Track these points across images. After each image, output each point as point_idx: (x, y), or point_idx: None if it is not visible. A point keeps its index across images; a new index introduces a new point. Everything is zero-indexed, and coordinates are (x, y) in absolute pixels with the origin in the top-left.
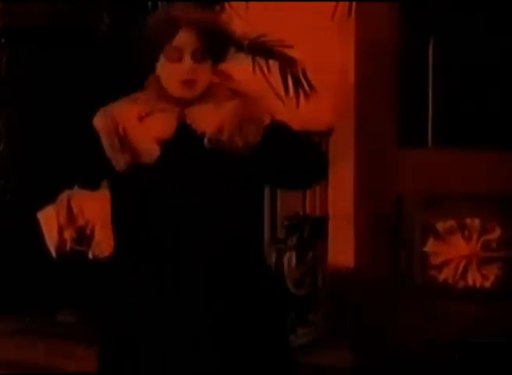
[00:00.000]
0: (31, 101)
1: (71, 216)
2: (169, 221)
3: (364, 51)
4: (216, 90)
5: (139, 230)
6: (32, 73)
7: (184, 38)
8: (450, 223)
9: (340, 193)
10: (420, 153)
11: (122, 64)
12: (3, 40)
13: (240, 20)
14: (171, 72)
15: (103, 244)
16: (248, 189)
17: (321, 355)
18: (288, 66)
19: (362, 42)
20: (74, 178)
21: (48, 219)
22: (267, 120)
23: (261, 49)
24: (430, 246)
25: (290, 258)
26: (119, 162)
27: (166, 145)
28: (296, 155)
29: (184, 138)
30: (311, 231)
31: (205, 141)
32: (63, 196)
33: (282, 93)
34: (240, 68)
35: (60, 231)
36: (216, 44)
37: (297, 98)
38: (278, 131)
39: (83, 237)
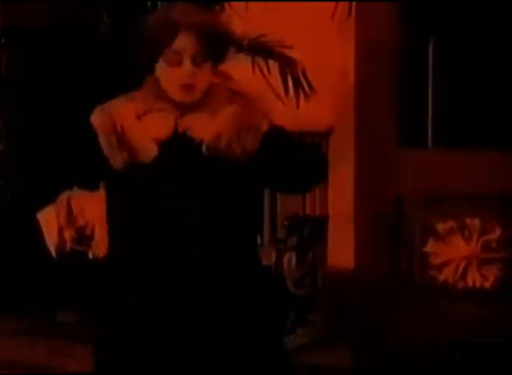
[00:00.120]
0: (31, 101)
1: (71, 217)
2: (166, 222)
3: (364, 52)
4: (215, 91)
5: (135, 229)
6: (32, 73)
7: (184, 42)
8: (450, 223)
9: (340, 193)
10: (420, 153)
11: (122, 64)
12: (3, 40)
13: (239, 20)
14: (170, 76)
15: (103, 244)
16: (247, 194)
17: (321, 355)
18: (288, 66)
19: (362, 42)
20: (74, 178)
21: (48, 220)
22: (265, 127)
23: (260, 49)
24: (430, 246)
25: (290, 259)
26: (117, 160)
27: (164, 146)
28: (295, 161)
29: (182, 142)
30: (311, 231)
31: (203, 148)
32: (63, 196)
33: (282, 93)
34: (239, 68)
35: (60, 231)
36: (216, 47)
37: (297, 98)
38: (276, 137)
39: (83, 237)
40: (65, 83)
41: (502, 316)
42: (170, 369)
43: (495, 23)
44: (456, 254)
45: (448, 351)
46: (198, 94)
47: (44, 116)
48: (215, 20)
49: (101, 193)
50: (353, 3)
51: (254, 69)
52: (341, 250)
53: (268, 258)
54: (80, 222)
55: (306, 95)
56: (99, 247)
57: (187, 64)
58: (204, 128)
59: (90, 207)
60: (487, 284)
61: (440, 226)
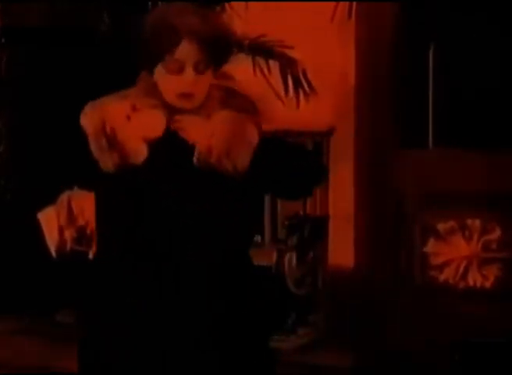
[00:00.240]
0: (31, 102)
1: (71, 217)
2: (160, 223)
3: (364, 52)
4: (211, 92)
5: (129, 231)
6: (32, 73)
7: (186, 50)
8: (451, 223)
9: (341, 193)
10: (420, 154)
11: (122, 64)
12: (3, 40)
13: (240, 21)
14: (170, 83)
15: None
16: (242, 196)
17: (322, 355)
18: (288, 66)
19: (362, 43)
20: (73, 179)
21: (49, 220)
22: (256, 139)
23: (261, 49)
24: (430, 246)
25: (291, 259)
26: (107, 162)
27: (155, 147)
28: (289, 170)
29: (174, 143)
30: (312, 231)
31: (194, 159)
32: (63, 197)
33: (283, 93)
34: (240, 68)
35: (60, 231)
36: (219, 53)
37: (297, 98)
38: (268, 150)
39: (84, 237)
40: (65, 83)
41: (502, 316)
42: (169, 371)
43: (495, 24)
44: (456, 254)
45: (448, 351)
46: (197, 101)
47: (43, 116)
48: (218, 25)
49: None
50: (354, 4)
51: (254, 69)
52: (341, 250)
53: (269, 258)
54: (81, 222)
55: (306, 95)
56: None
57: (189, 72)
58: (197, 132)
59: (91, 207)
60: (487, 284)
61: (441, 227)
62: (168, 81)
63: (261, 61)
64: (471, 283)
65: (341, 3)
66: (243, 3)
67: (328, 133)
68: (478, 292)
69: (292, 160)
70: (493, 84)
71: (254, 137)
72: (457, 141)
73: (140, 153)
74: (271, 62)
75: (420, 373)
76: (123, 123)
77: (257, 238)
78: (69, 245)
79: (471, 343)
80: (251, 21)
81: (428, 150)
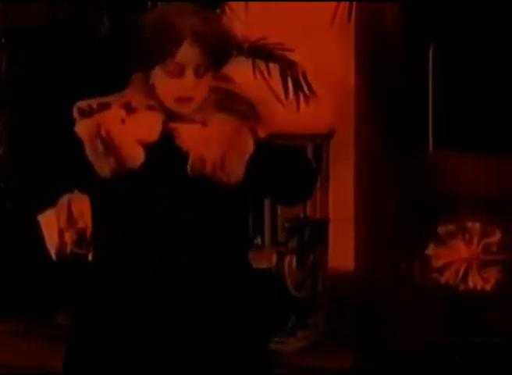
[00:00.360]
0: (31, 102)
1: (71, 219)
2: (156, 228)
3: (363, 54)
4: (209, 96)
5: (123, 236)
6: (32, 74)
7: (188, 52)
8: (451, 226)
9: (341, 195)
10: (420, 156)
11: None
12: (3, 40)
13: (239, 23)
14: (169, 86)
15: None
16: (238, 205)
17: (322, 358)
18: (288, 69)
19: (362, 44)
20: (70, 183)
21: (49, 222)
22: (251, 148)
23: (261, 52)
24: (431, 249)
25: (291, 261)
26: (104, 167)
27: (151, 150)
28: (285, 177)
29: (169, 147)
30: (312, 234)
31: (188, 168)
32: (63, 199)
33: (283, 96)
34: (240, 71)
35: (60, 234)
36: (220, 55)
37: (297, 100)
38: (263, 158)
39: (84, 239)
40: (65, 83)
41: (502, 318)
42: (168, 373)
43: (495, 25)
44: (456, 256)
45: (448, 351)
46: (195, 105)
47: (43, 117)
48: (219, 27)
49: None
50: (353, 6)
51: (254, 72)
52: (341, 252)
53: (269, 260)
54: (81, 224)
55: (306, 98)
56: None
57: (190, 76)
58: (191, 141)
59: (91, 210)
60: (488, 287)
61: (441, 229)
62: (167, 84)
63: (260, 64)
64: (471, 285)
65: (341, 5)
66: (243, 6)
67: (329, 135)
68: (479, 295)
69: (287, 167)
70: (493, 86)
71: (248, 146)
72: (457, 143)
73: (136, 157)
74: (271, 64)
75: (420, 373)
76: (119, 127)
77: (257, 241)
78: (69, 248)
79: (471, 343)
80: (251, 24)
81: (428, 152)
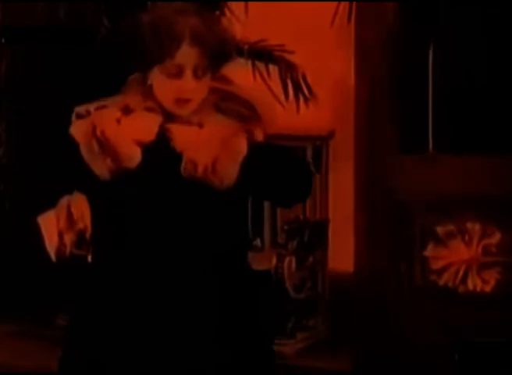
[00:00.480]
0: (31, 103)
1: (71, 221)
2: (152, 231)
3: (363, 55)
4: (207, 98)
5: (124, 237)
6: (32, 74)
7: (187, 53)
8: (450, 227)
9: (341, 197)
10: (420, 158)
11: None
12: (3, 40)
13: (239, 25)
14: (168, 87)
15: None
16: (233, 207)
17: (322, 359)
18: (288, 70)
19: (362, 46)
20: (69, 185)
21: (49, 224)
22: (244, 150)
23: (260, 54)
24: (430, 250)
25: (290, 263)
26: (101, 168)
27: (148, 151)
28: (280, 179)
29: (166, 150)
30: (311, 235)
31: (181, 169)
32: (63, 201)
33: (282, 97)
34: (239, 73)
35: (60, 235)
36: (219, 57)
37: (297, 102)
38: (257, 162)
39: (83, 241)
40: (65, 84)
41: (502, 320)
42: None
43: (496, 27)
44: (456, 258)
45: (448, 351)
46: (193, 107)
47: (43, 117)
48: (218, 28)
49: None
50: (353, 8)
51: (254, 73)
52: (341, 254)
53: (269, 262)
54: (80, 226)
55: (306, 99)
56: None
57: (189, 77)
58: (185, 144)
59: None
60: (487, 288)
61: (440, 230)
62: (165, 85)
63: (260, 65)
64: (470, 287)
65: (340, 6)
66: (243, 7)
67: (328, 137)
68: (478, 296)
69: (281, 168)
70: (494, 86)
71: (242, 150)
72: (458, 143)
73: (133, 157)
74: (270, 66)
75: (420, 373)
76: (114, 126)
77: (257, 242)
78: (68, 249)
79: (471, 343)
80: (251, 25)
81: (427, 154)
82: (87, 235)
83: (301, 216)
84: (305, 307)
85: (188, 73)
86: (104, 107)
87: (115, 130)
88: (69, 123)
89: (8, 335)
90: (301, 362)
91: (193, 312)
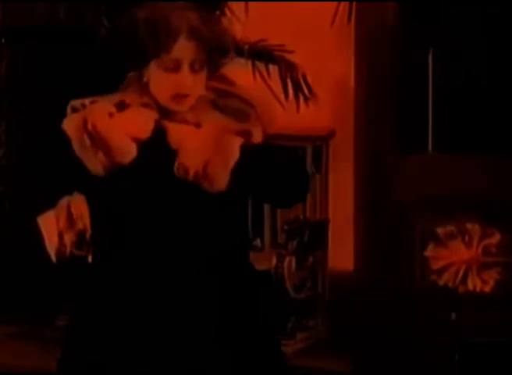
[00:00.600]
0: (31, 103)
1: (71, 221)
2: (152, 229)
3: (363, 55)
4: (206, 96)
5: (122, 234)
6: (32, 74)
7: (184, 47)
8: (450, 227)
9: (341, 197)
10: (420, 158)
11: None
12: (3, 40)
13: (239, 25)
14: (165, 82)
15: None
16: (229, 207)
17: (322, 360)
18: (288, 70)
19: (362, 46)
20: (68, 183)
21: (48, 224)
22: (236, 154)
23: (261, 54)
24: (430, 251)
25: (290, 263)
26: (94, 163)
27: (144, 147)
28: (275, 181)
29: (162, 147)
30: (311, 236)
31: (174, 169)
32: (63, 201)
33: (282, 97)
34: (240, 73)
35: (60, 236)
36: (216, 52)
37: (297, 102)
38: (250, 164)
39: (83, 241)
40: (65, 84)
41: (502, 320)
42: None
43: (496, 26)
44: (456, 258)
45: (448, 351)
46: (190, 103)
47: (43, 117)
48: (215, 24)
49: None
50: (353, 8)
51: (254, 73)
52: (341, 254)
53: (269, 262)
54: (80, 226)
55: (306, 99)
56: None
57: (186, 71)
58: (178, 143)
59: None
60: (487, 289)
61: (440, 231)
62: (162, 80)
63: (260, 65)
64: (470, 287)
65: (340, 7)
66: (243, 7)
67: (328, 137)
68: (478, 296)
69: (278, 170)
70: (494, 88)
71: (235, 154)
72: (457, 144)
73: (127, 151)
74: (270, 66)
75: (420, 373)
76: (106, 119)
77: (257, 242)
78: (68, 249)
79: (471, 343)
80: (251, 25)
81: (427, 154)
82: (87, 235)
83: (301, 216)
84: (305, 307)
85: (185, 67)
86: (98, 102)
87: (107, 123)
88: None
89: (8, 336)
90: (301, 363)
91: (193, 312)
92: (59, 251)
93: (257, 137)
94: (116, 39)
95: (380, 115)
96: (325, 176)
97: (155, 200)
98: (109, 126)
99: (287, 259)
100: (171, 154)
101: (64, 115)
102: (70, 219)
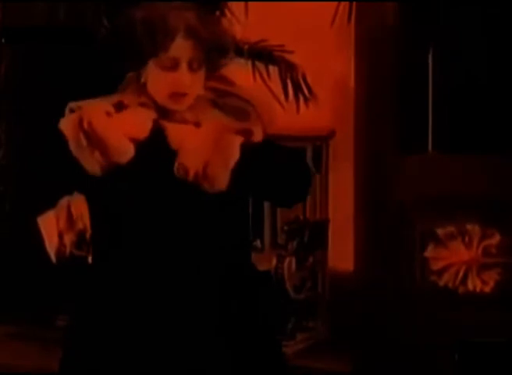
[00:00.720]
0: (31, 103)
1: (71, 221)
2: (151, 229)
3: (363, 55)
4: (205, 96)
5: (121, 236)
6: (32, 74)
7: (181, 46)
8: (450, 228)
9: (341, 197)
10: (420, 158)
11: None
12: (3, 40)
13: (239, 25)
14: (163, 81)
15: None
16: (229, 206)
17: (322, 360)
18: (288, 70)
19: (362, 46)
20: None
21: (48, 224)
22: (236, 155)
23: (260, 54)
24: (430, 251)
25: (290, 263)
26: (91, 163)
27: (142, 148)
28: (276, 180)
29: (160, 148)
30: (311, 236)
31: (174, 170)
32: (63, 201)
33: (282, 98)
34: (240, 73)
35: (60, 236)
36: (214, 51)
37: (297, 102)
38: (254, 161)
39: (83, 241)
40: (66, 84)
41: (501, 321)
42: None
43: (496, 26)
44: (456, 259)
45: (448, 351)
46: (188, 102)
47: (43, 118)
48: (213, 23)
49: None
50: (353, 8)
51: (254, 74)
52: (341, 255)
53: (269, 262)
54: (80, 226)
55: (306, 100)
56: None
57: (184, 69)
58: (180, 142)
59: None
60: (487, 289)
61: (440, 231)
62: (160, 79)
63: (260, 66)
64: (470, 288)
65: (340, 8)
66: (243, 8)
67: (328, 137)
68: (478, 297)
69: (279, 169)
70: (494, 88)
71: (235, 154)
72: (457, 144)
73: (124, 151)
74: (270, 66)
75: (420, 373)
76: (103, 118)
77: (257, 243)
78: (68, 250)
79: (471, 343)
80: (251, 26)
81: (427, 154)
82: (87, 236)
83: (301, 217)
84: (305, 308)
85: (183, 66)
86: (95, 101)
87: (103, 121)
88: None
89: (8, 336)
90: (301, 363)
91: (193, 312)
92: (59, 252)
93: (258, 136)
94: (115, 40)
95: (380, 115)
96: (325, 177)
97: (155, 200)
98: (106, 125)
99: (287, 260)
100: (170, 154)
101: (63, 115)
102: (70, 219)
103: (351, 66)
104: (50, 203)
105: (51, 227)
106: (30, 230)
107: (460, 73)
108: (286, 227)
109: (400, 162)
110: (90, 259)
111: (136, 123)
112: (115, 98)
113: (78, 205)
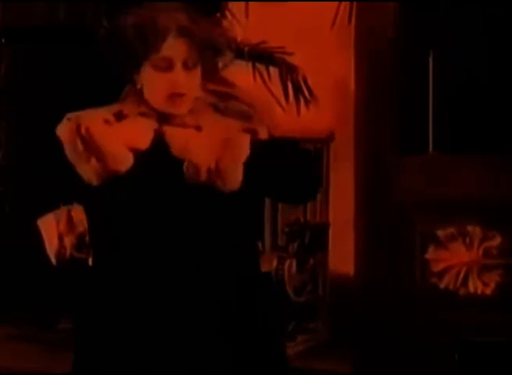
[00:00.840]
0: (31, 104)
1: (71, 223)
2: (153, 236)
3: (364, 57)
4: (205, 99)
5: (120, 243)
6: (32, 74)
7: (173, 45)
8: (451, 229)
9: (341, 199)
10: (420, 159)
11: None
12: (3, 40)
13: (240, 27)
14: (159, 83)
15: None
16: (239, 208)
17: (322, 362)
18: (288, 72)
19: (362, 47)
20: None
21: (49, 227)
22: (247, 152)
23: (261, 56)
24: (431, 253)
25: (291, 266)
26: (87, 170)
27: (143, 157)
28: (287, 176)
29: (163, 156)
30: (312, 238)
31: (184, 174)
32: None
33: (283, 99)
34: (240, 75)
35: (60, 238)
36: (209, 51)
37: (298, 104)
38: (262, 159)
39: (83, 244)
40: (66, 84)
41: (502, 323)
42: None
43: (496, 26)
44: (457, 260)
45: (448, 351)
46: (187, 104)
47: (43, 119)
48: (206, 24)
49: None
50: (353, 10)
51: (254, 75)
52: (342, 256)
53: (269, 264)
54: (80, 229)
55: (306, 101)
56: None
57: (179, 69)
58: (185, 148)
59: None
60: (488, 291)
61: (441, 233)
62: (156, 81)
63: (261, 67)
64: (471, 289)
65: (341, 9)
66: (244, 10)
67: (329, 139)
68: (479, 299)
69: (288, 166)
70: (494, 88)
71: (245, 149)
72: (458, 146)
73: (122, 159)
74: (271, 68)
75: (420, 373)
76: (101, 125)
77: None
78: (68, 252)
79: (471, 343)
80: (251, 27)
81: (428, 155)
82: (87, 238)
83: (302, 219)
84: (305, 310)
85: (178, 65)
86: (94, 109)
87: (101, 129)
88: None
89: (9, 338)
90: (302, 364)
91: (194, 314)
92: (59, 254)
93: (264, 135)
94: (110, 46)
95: (380, 115)
96: (325, 179)
97: (159, 208)
98: (104, 133)
99: (288, 262)
100: (174, 161)
101: (64, 115)
102: (70, 221)
103: (351, 67)
104: (50, 205)
105: (51, 230)
106: (30, 230)
107: (460, 74)
108: (286, 229)
109: (400, 163)
110: (90, 262)
111: (137, 133)
112: (114, 108)
113: (78, 207)
